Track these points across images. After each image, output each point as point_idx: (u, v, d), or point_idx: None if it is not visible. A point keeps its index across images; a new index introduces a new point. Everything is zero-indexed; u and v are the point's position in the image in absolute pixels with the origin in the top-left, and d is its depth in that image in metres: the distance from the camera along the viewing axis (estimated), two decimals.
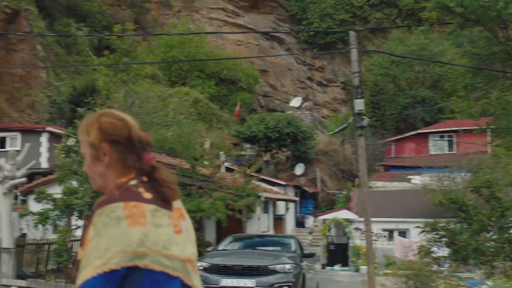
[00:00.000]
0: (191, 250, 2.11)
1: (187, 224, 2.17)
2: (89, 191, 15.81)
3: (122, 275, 1.88)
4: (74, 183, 17.01)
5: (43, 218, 17.35)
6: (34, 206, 19.35)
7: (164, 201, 2.06)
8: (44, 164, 29.72)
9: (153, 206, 1.99)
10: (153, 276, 1.93)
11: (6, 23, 40.78)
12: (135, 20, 53.16)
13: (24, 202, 24.91)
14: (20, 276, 16.29)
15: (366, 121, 15.29)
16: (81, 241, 2.00)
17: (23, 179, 17.59)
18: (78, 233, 14.97)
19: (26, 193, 23.91)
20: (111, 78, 36.52)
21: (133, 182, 2.06)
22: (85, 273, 1.88)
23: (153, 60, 45.35)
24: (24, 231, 22.45)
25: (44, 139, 30.62)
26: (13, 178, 16.70)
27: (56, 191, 18.30)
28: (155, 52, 49.13)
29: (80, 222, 15.34)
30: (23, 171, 17.19)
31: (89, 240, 1.93)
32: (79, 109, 18.19)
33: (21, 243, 18.82)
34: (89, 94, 30.91)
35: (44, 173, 26.43)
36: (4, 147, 29.90)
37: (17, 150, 20.91)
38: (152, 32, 53.26)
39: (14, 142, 30.40)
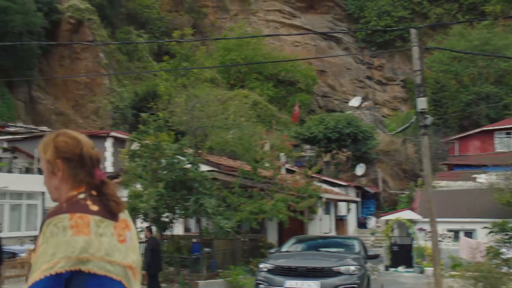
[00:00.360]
0: (133, 258, 2.31)
1: (132, 234, 2.37)
2: (154, 194, 16.10)
3: (66, 278, 2.09)
4: (139, 187, 17.35)
5: None
6: None
7: (110, 213, 2.28)
8: (109, 168, 30.44)
9: (98, 217, 2.21)
10: (97, 280, 2.15)
11: (71, 33, 42.32)
12: (193, 25, 54.03)
13: None
14: None
15: (429, 119, 14.98)
16: (35, 247, 2.23)
17: None
18: (142, 235, 15.28)
19: None
20: (172, 83, 37.22)
21: (82, 195, 2.28)
22: (34, 276, 2.10)
23: (211, 64, 45.93)
24: None
25: (108, 144, 31.36)
26: None
27: (121, 194, 18.70)
28: (214, 55, 49.71)
29: (145, 225, 15.66)
30: None
31: (39, 247, 2.16)
32: (142, 114, 18.49)
33: None
34: (150, 99, 31.60)
35: (110, 177, 27.04)
36: None
37: None
38: (210, 36, 53.93)
39: None
